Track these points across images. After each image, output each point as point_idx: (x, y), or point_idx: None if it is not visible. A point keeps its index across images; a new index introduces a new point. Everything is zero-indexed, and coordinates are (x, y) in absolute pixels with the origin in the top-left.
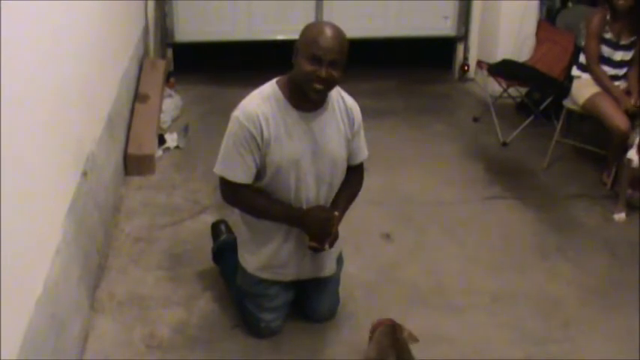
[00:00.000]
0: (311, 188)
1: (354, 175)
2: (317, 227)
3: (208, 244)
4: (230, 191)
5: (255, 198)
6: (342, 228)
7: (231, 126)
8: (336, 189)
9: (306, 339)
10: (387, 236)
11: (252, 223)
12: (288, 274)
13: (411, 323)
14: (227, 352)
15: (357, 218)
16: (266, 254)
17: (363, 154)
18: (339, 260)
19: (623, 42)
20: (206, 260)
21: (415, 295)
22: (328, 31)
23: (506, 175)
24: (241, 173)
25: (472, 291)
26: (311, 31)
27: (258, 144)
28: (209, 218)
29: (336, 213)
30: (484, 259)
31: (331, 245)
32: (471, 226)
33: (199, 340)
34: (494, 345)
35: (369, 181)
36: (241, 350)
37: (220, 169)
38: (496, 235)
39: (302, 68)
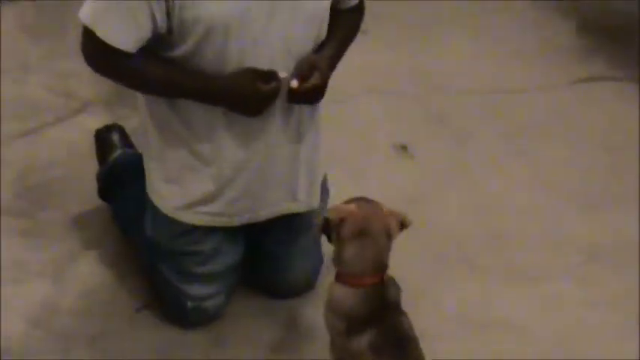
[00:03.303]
0: (270, 65)
1: (349, 18)
2: (246, 103)
3: (91, 167)
4: (100, 57)
5: (141, 66)
6: (327, 135)
7: None
8: None
9: (266, 327)
10: (404, 149)
11: (170, 118)
12: (237, 212)
13: (444, 297)
14: (129, 354)
15: (353, 118)
16: (197, 178)
17: None
18: (323, 190)
19: None
20: (88, 195)
21: (454, 255)
22: None
23: (612, 40)
24: (124, 34)
25: (558, 248)
26: None
27: None
28: (92, 122)
29: (284, 75)
30: (573, 190)
31: (313, 99)
32: (549, 131)
33: (77, 336)
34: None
35: (374, 57)
36: (153, 349)
37: (89, 16)
38: (594, 145)
39: None
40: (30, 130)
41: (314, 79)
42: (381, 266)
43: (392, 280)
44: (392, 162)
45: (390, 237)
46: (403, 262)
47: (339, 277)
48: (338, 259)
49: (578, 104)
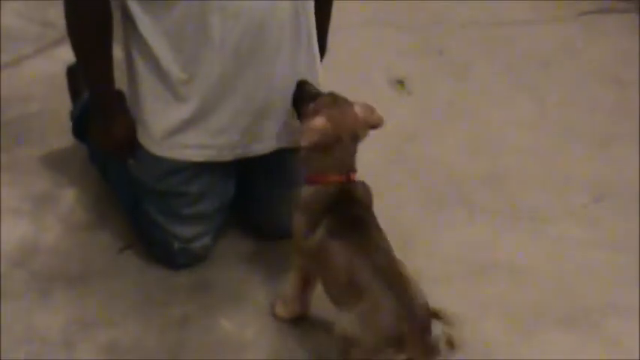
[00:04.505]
0: None
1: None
2: (99, 139)
3: (67, 103)
4: None
5: (92, 29)
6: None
7: None
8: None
9: (254, 270)
10: (401, 84)
11: (143, 39)
12: (227, 144)
13: (443, 239)
14: (111, 295)
15: (347, 51)
16: (174, 102)
17: None
18: None
19: None
20: (68, 130)
21: (453, 195)
22: None
23: None
24: None
25: (562, 187)
26: None
27: None
28: (69, 55)
29: None
30: (578, 126)
31: None
32: (554, 65)
33: (58, 276)
34: None
35: None
36: (137, 291)
37: None
38: (600, 80)
39: None
40: (6, 61)
41: None
42: (347, 167)
43: (362, 182)
44: (388, 98)
45: (357, 141)
46: (400, 202)
47: (307, 179)
48: (306, 163)
49: (584, 37)
